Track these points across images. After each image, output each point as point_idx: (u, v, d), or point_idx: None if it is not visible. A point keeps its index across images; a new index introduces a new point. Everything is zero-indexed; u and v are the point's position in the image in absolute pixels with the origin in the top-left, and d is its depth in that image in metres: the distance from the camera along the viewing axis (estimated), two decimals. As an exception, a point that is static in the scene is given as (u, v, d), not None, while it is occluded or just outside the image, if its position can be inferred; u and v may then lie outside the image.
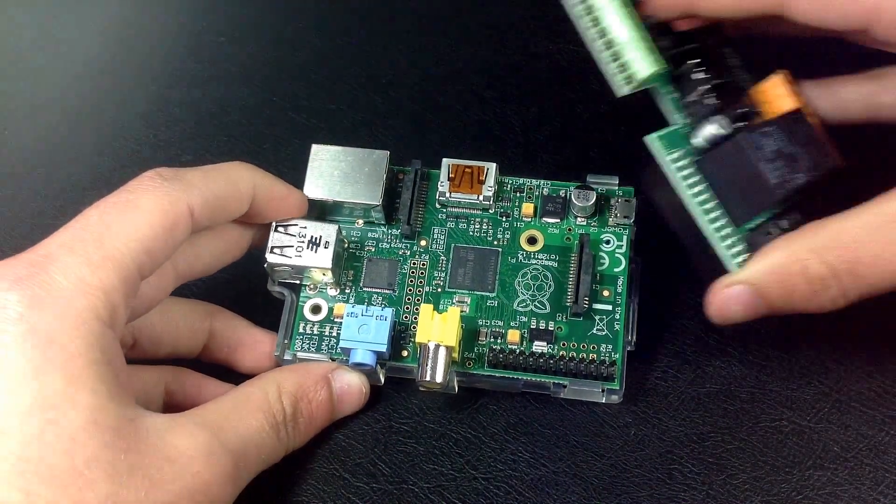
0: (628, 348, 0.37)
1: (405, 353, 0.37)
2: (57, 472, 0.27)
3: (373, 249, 0.39)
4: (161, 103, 0.50)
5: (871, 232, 0.32)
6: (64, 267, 0.30)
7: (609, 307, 0.37)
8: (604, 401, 0.37)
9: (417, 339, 0.36)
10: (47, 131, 0.49)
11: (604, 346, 0.37)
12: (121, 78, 0.51)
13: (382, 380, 0.38)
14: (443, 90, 0.51)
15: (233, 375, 0.38)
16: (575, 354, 0.37)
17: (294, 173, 0.46)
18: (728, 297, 0.34)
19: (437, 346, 0.35)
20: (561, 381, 0.36)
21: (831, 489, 0.35)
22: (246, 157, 0.47)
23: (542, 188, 0.40)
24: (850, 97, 0.37)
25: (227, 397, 0.33)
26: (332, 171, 0.39)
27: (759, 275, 0.33)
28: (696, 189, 0.35)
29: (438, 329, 0.35)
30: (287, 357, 0.37)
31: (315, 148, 0.40)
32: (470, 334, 0.37)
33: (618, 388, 0.36)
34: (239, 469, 0.32)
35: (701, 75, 0.36)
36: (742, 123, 0.36)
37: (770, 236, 0.35)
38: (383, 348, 0.36)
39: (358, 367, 0.36)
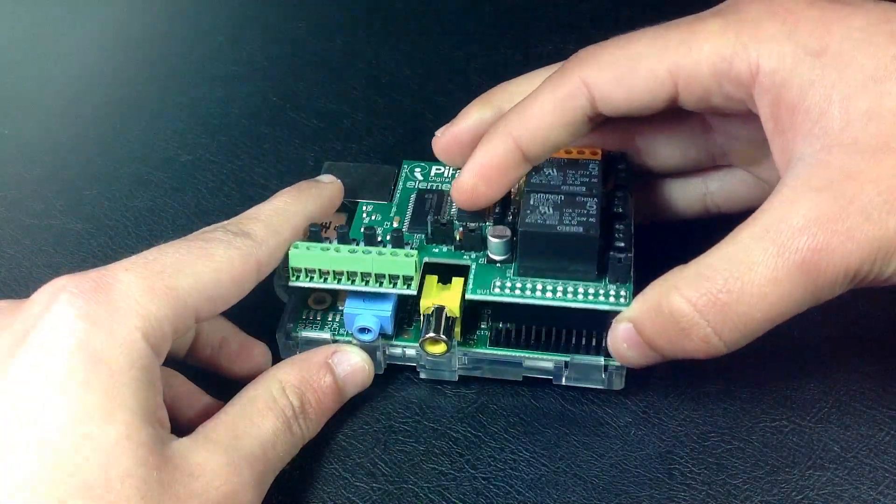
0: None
1: (407, 336, 0.37)
2: (91, 485, 0.28)
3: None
4: (161, 103, 0.50)
5: (728, 261, 0.31)
6: (125, 288, 0.30)
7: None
8: (606, 386, 0.37)
9: (422, 306, 0.36)
10: (47, 131, 0.49)
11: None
12: (121, 78, 0.51)
13: (383, 367, 0.38)
14: (443, 90, 0.51)
15: (220, 380, 0.37)
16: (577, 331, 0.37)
17: (294, 173, 0.46)
18: (616, 336, 0.34)
19: (442, 307, 0.36)
20: (563, 358, 0.36)
21: (831, 489, 0.35)
22: (246, 157, 0.47)
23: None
24: (686, 195, 0.40)
25: (234, 405, 0.33)
26: (342, 179, 0.40)
27: (635, 311, 0.33)
28: (539, 287, 0.36)
29: (443, 296, 0.36)
30: (288, 341, 0.37)
31: (327, 165, 0.41)
32: (472, 319, 0.37)
33: (620, 364, 0.36)
34: (260, 474, 0.32)
35: (438, 222, 0.37)
36: (509, 213, 0.37)
37: (621, 262, 0.35)
38: (388, 313, 0.36)
39: (361, 334, 0.36)
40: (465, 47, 0.53)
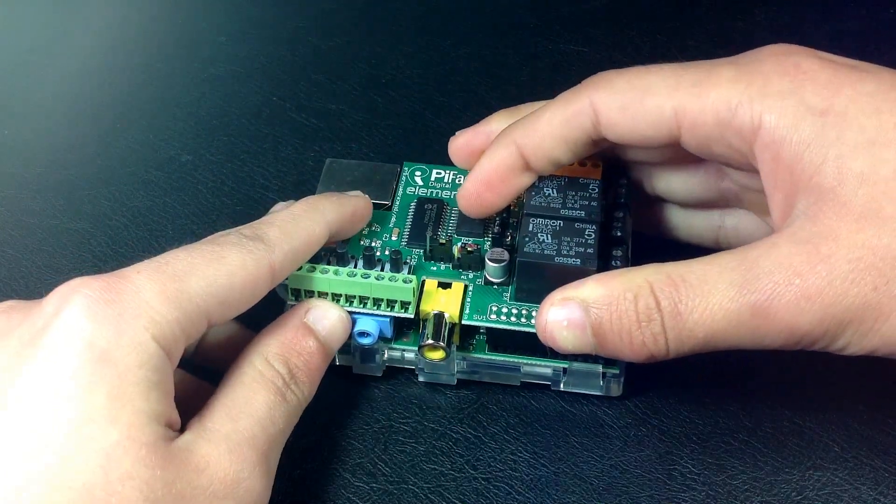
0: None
1: (406, 339, 0.37)
2: (91, 487, 0.28)
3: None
4: (161, 103, 0.50)
5: (699, 278, 0.32)
6: (136, 290, 0.30)
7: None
8: (604, 392, 0.37)
9: (422, 309, 0.36)
10: (47, 131, 0.49)
11: None
12: (121, 78, 0.51)
13: (382, 369, 0.38)
14: (443, 90, 0.51)
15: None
16: None
17: (294, 173, 0.46)
18: (558, 313, 0.33)
19: (441, 314, 0.36)
20: (561, 365, 0.36)
21: (831, 489, 0.35)
22: (246, 157, 0.47)
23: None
24: (700, 224, 0.40)
25: (224, 388, 0.33)
26: (343, 178, 0.40)
27: (594, 295, 0.33)
28: (534, 314, 0.35)
29: (443, 301, 0.36)
30: None
31: (329, 162, 0.41)
32: (472, 327, 0.37)
33: (618, 372, 0.36)
34: (263, 453, 0.32)
35: (439, 239, 0.37)
36: (509, 232, 0.37)
37: None
38: (387, 318, 0.36)
39: (361, 338, 0.36)
40: (465, 47, 0.53)
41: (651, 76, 0.35)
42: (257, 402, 0.32)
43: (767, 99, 0.32)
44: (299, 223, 0.35)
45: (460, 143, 0.39)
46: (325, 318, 0.36)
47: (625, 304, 0.32)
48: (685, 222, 0.40)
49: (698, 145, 0.34)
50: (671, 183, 0.39)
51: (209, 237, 0.34)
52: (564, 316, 0.33)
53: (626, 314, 0.32)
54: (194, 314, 0.31)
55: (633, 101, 0.34)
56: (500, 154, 0.37)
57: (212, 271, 0.32)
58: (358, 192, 0.39)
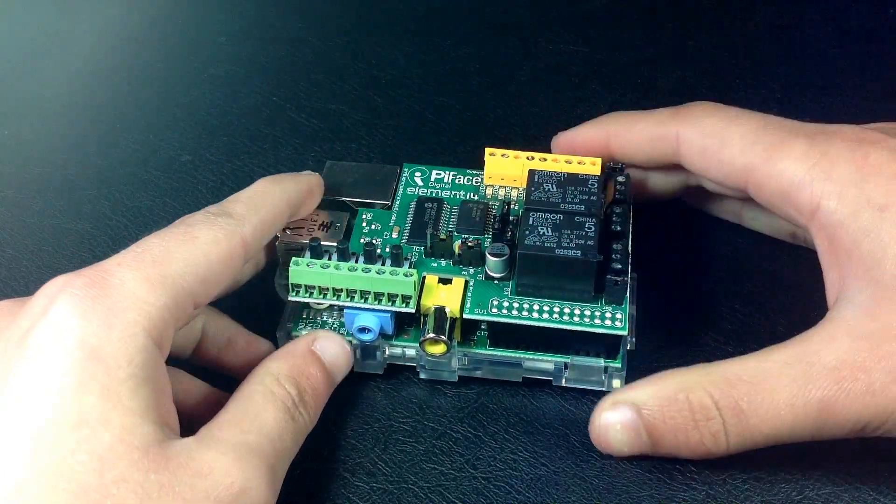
0: (628, 347, 0.37)
1: (407, 336, 0.37)
2: (87, 489, 0.28)
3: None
4: (161, 103, 0.50)
5: (756, 375, 0.33)
6: (120, 282, 0.30)
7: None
8: (605, 387, 0.37)
9: (423, 304, 0.36)
10: (47, 131, 0.49)
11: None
12: (120, 78, 0.51)
13: (383, 367, 0.38)
14: (443, 90, 0.51)
15: (220, 379, 0.37)
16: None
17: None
18: (610, 416, 0.34)
19: (443, 308, 0.36)
20: (563, 359, 0.37)
21: (831, 489, 0.35)
22: (246, 157, 0.47)
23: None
24: (779, 225, 0.42)
25: (234, 403, 0.33)
26: (343, 179, 0.40)
27: (644, 396, 0.34)
28: (536, 308, 0.36)
29: (443, 296, 0.36)
30: (288, 340, 0.37)
31: (329, 164, 0.41)
32: (473, 323, 0.37)
33: (620, 366, 0.36)
34: (271, 467, 0.32)
35: (439, 235, 0.38)
36: (509, 228, 0.37)
37: (617, 284, 0.35)
38: (388, 314, 0.36)
39: (361, 334, 0.36)
40: (465, 47, 0.53)
41: (733, 128, 0.37)
42: (268, 417, 0.33)
43: (829, 184, 0.34)
44: (264, 198, 0.36)
45: (564, 142, 0.41)
46: (330, 349, 0.36)
47: (678, 404, 0.33)
48: (769, 224, 0.42)
49: (762, 202, 0.37)
50: (757, 216, 0.42)
51: (178, 220, 0.34)
52: (617, 419, 0.34)
53: (681, 413, 0.33)
54: (180, 297, 0.31)
55: (711, 148, 0.37)
56: (593, 131, 0.41)
57: (188, 251, 0.32)
58: (309, 172, 0.39)
